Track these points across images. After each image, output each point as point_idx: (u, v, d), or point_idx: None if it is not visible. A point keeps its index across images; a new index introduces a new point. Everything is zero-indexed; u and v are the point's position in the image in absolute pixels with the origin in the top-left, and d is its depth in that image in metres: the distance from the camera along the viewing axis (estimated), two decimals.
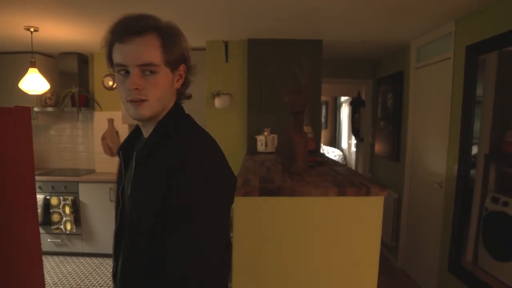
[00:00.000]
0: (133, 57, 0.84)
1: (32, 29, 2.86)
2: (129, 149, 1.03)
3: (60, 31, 3.07)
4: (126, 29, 0.84)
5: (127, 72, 0.86)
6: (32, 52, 3.12)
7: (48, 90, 3.36)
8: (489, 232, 2.28)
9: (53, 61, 4.10)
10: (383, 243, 4.00)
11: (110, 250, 3.84)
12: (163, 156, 0.90)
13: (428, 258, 3.06)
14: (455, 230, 2.61)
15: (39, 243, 2.24)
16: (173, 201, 0.85)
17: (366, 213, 1.66)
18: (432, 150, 3.09)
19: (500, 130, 2.24)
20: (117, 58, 0.86)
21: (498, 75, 2.29)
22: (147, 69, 0.86)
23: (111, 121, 4.20)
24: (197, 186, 0.86)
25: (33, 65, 3.07)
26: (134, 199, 0.94)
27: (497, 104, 2.28)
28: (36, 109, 3.92)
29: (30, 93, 3.13)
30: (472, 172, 2.47)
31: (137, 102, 0.87)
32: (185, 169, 0.85)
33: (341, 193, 1.61)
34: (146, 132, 0.98)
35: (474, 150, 2.46)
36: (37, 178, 3.70)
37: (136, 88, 0.86)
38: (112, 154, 4.19)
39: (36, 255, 2.22)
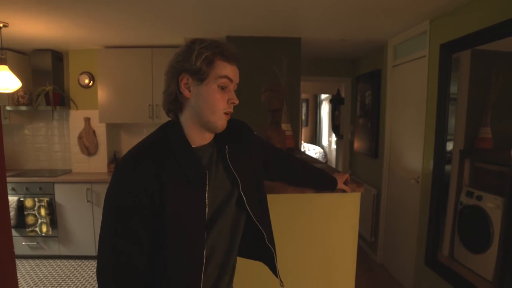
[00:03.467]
0: (236, 76, 1.00)
1: (1, 25, 2.75)
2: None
3: (32, 27, 2.96)
4: (234, 54, 0.99)
5: (224, 88, 0.98)
6: (1, 49, 3.01)
7: (20, 88, 3.24)
8: (464, 226, 2.33)
9: (26, 58, 3.97)
10: (362, 239, 4.06)
11: (88, 252, 3.78)
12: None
13: (406, 252, 3.12)
14: (431, 225, 2.67)
15: (12, 247, 2.17)
16: None
17: (343, 209, 1.68)
18: (409, 147, 3.14)
19: (474, 126, 2.29)
20: (225, 71, 0.97)
21: (471, 73, 2.34)
22: (236, 88, 1.03)
23: (87, 120, 4.09)
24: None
25: (3, 62, 2.94)
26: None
27: (471, 101, 2.33)
28: (8, 108, 3.78)
29: (0, 91, 3.02)
30: (448, 167, 2.53)
31: (228, 115, 1.01)
32: None
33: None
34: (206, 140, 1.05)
35: (450, 146, 2.52)
36: (10, 179, 3.59)
37: (234, 104, 1.01)
38: (89, 154, 4.09)
39: (9, 259, 2.14)
